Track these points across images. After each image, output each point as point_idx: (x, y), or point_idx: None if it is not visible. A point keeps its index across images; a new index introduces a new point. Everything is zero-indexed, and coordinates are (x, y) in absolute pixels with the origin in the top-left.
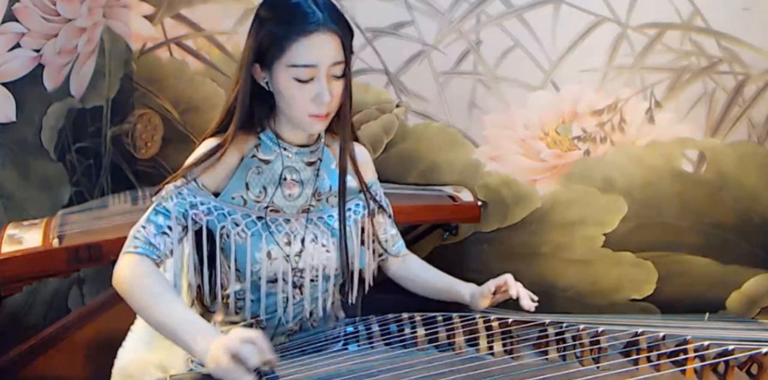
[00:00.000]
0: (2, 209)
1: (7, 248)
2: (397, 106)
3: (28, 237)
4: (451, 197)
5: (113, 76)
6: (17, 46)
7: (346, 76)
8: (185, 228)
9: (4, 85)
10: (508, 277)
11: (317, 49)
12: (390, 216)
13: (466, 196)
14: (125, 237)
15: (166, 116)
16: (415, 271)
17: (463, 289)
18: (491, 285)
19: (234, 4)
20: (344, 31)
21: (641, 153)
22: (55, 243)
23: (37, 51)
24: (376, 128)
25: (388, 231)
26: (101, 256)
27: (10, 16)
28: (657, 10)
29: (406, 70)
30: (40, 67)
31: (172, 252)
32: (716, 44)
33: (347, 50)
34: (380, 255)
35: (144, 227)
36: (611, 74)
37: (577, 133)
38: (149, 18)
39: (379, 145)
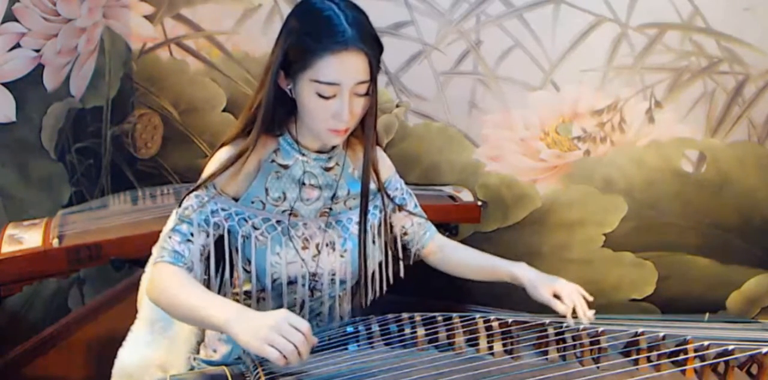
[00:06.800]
0: (2, 209)
1: (7, 248)
2: (397, 106)
3: (28, 237)
4: (451, 197)
5: (113, 76)
6: (17, 46)
7: (370, 93)
8: (208, 234)
9: (4, 85)
10: (565, 296)
11: (343, 67)
12: (412, 210)
13: (466, 196)
14: (125, 237)
15: (166, 116)
16: (454, 255)
17: (515, 270)
18: (555, 291)
19: (234, 4)
20: (373, 49)
21: (641, 153)
22: (55, 243)
23: (37, 51)
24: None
25: (410, 226)
26: (101, 256)
27: (10, 16)
28: (657, 10)
29: (406, 70)
30: (40, 67)
31: (202, 256)
32: (716, 44)
33: (374, 69)
34: (406, 252)
35: (170, 237)
36: (611, 74)
37: (577, 133)
38: (149, 18)
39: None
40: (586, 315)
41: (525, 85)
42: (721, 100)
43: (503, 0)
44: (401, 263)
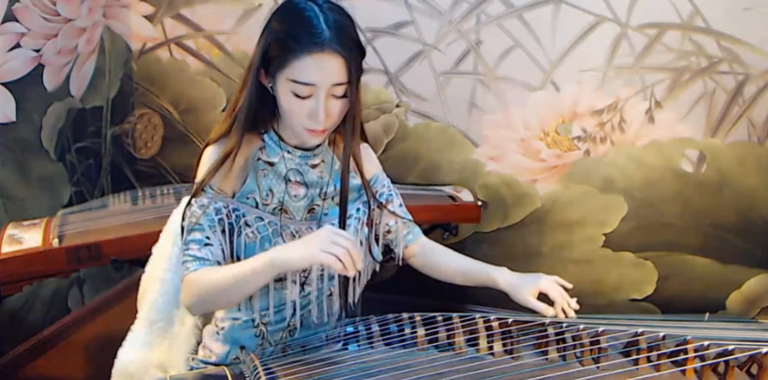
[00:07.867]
0: (2, 209)
1: (7, 248)
2: (397, 106)
3: (28, 237)
4: (451, 197)
5: (113, 76)
6: (17, 46)
7: (348, 95)
8: (222, 231)
9: (4, 85)
10: (555, 295)
11: (319, 69)
12: (396, 209)
13: (466, 196)
14: (125, 237)
15: (166, 116)
16: (436, 258)
17: (495, 275)
18: (541, 290)
19: (234, 4)
20: (351, 52)
21: (641, 153)
22: (55, 243)
23: (37, 51)
24: (376, 128)
25: (393, 224)
26: (101, 256)
27: (10, 16)
28: (657, 10)
29: (406, 70)
30: (40, 67)
31: (224, 253)
32: (716, 44)
33: (352, 72)
34: (391, 251)
35: (187, 250)
36: (611, 74)
37: (577, 133)
38: (149, 18)
39: (379, 145)
40: (571, 306)
41: (525, 85)
42: (721, 100)
43: (503, 0)
44: (379, 262)
